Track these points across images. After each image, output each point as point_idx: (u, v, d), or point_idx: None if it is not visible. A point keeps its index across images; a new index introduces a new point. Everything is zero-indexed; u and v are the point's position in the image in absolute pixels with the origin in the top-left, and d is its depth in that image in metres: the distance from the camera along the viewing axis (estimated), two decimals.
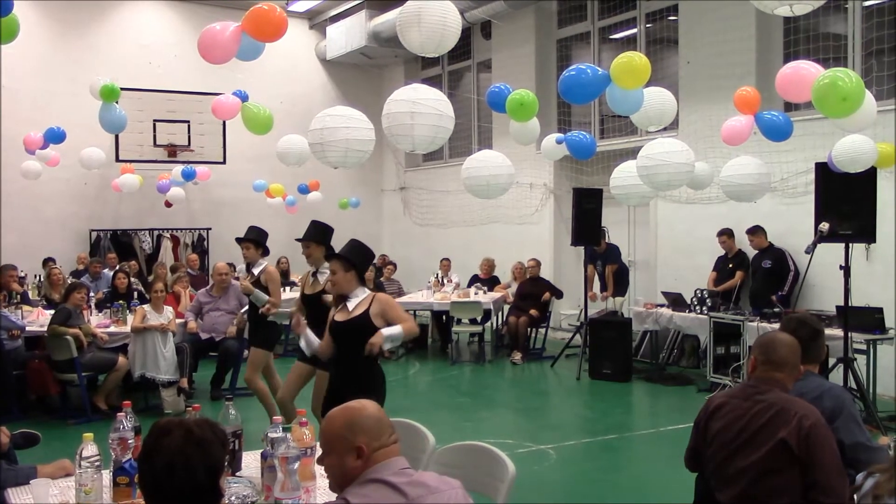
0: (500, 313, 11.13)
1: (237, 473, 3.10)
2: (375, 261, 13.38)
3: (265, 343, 6.64)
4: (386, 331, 4.22)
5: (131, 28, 13.63)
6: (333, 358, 4.50)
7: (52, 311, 7.59)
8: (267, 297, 6.35)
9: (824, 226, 6.65)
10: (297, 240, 5.81)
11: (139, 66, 13.21)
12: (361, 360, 4.26)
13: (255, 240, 6.50)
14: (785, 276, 8.55)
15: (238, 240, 6.65)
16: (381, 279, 11.74)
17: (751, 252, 9.07)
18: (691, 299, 8.83)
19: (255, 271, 6.48)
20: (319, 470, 3.04)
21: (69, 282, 8.94)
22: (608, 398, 8.40)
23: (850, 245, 6.81)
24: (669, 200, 10.19)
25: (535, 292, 10.64)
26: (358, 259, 4.42)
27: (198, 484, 2.00)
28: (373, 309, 4.30)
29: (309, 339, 4.49)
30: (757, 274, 8.85)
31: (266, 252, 6.67)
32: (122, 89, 8.54)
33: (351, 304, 4.35)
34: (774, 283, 8.55)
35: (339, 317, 4.38)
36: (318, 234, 5.56)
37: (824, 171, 6.87)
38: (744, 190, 7.55)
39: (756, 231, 8.84)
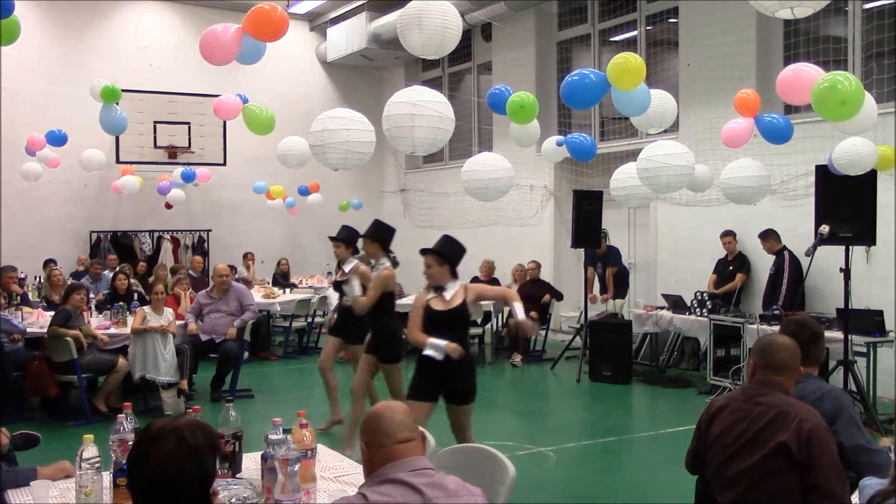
0: (500, 315, 11.13)
1: (237, 475, 3.10)
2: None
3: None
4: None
5: (131, 30, 13.65)
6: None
7: (52, 313, 7.58)
8: (358, 293, 6.29)
9: (824, 228, 6.65)
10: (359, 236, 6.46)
11: (139, 68, 13.22)
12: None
13: (346, 239, 6.74)
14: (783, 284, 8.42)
15: (330, 238, 6.97)
16: None
17: (752, 254, 9.07)
18: (691, 301, 8.82)
19: (346, 269, 6.63)
20: (319, 472, 3.05)
21: (69, 283, 8.92)
22: (608, 400, 8.40)
23: (850, 248, 6.81)
24: (669, 203, 10.19)
25: (535, 294, 10.62)
26: (451, 253, 4.89)
27: (187, 493, 1.96)
28: (469, 297, 4.82)
29: (437, 345, 4.70)
30: (767, 280, 8.77)
31: (356, 251, 6.83)
32: (122, 91, 8.53)
33: (448, 295, 4.80)
34: (777, 290, 8.45)
35: (438, 306, 4.77)
36: (371, 232, 6.09)
37: (824, 174, 6.88)
38: (744, 192, 7.55)
39: (767, 235, 8.60)
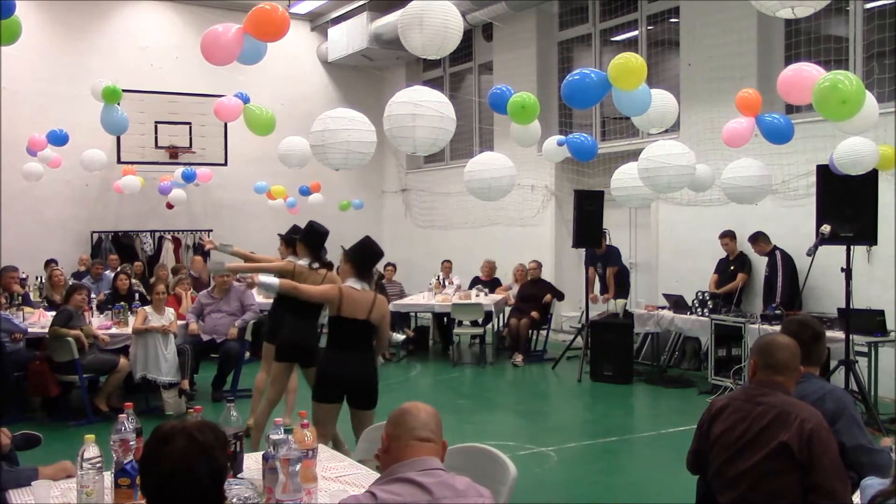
0: (501, 315, 11.13)
1: (238, 475, 3.10)
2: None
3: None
4: (262, 276, 5.00)
5: (132, 30, 13.64)
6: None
7: (54, 313, 7.59)
8: (229, 246, 6.69)
9: (825, 228, 6.65)
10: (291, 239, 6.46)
11: (140, 68, 13.22)
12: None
13: (287, 238, 6.81)
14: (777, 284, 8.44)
15: (278, 235, 7.18)
16: (383, 281, 11.74)
17: (753, 254, 9.06)
18: (692, 301, 8.82)
19: None
20: (320, 472, 3.06)
21: (70, 283, 8.93)
22: (609, 400, 8.39)
23: (852, 248, 6.81)
24: (670, 202, 10.19)
25: (536, 294, 10.63)
26: (353, 254, 4.97)
27: (201, 491, 1.99)
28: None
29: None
30: (764, 281, 8.79)
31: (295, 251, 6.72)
32: (123, 91, 8.53)
33: None
34: (773, 290, 8.50)
35: None
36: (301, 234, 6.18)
37: (825, 174, 6.88)
38: (745, 192, 7.55)
39: (756, 239, 8.70)
